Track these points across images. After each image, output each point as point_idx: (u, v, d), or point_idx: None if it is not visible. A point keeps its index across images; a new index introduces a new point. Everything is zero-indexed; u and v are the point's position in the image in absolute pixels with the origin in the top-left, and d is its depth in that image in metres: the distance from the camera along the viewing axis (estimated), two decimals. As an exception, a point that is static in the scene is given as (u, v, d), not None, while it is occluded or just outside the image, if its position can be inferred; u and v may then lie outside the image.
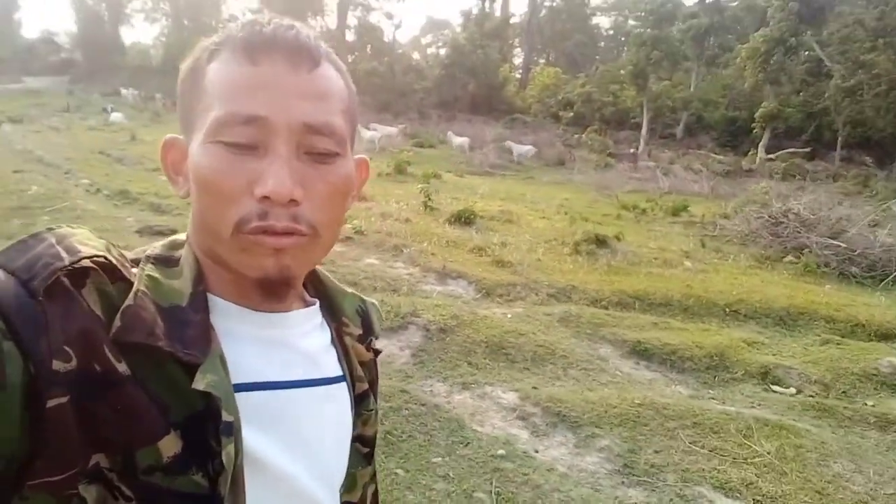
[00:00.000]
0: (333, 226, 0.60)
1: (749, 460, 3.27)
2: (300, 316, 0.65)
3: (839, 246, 7.66)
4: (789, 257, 7.93)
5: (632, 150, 21.02)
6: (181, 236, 0.62)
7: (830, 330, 5.66)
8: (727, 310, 5.93)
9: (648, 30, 25.09)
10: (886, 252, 7.73)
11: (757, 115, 22.75)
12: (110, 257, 0.54)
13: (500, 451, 3.21)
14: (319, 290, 0.72)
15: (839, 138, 25.75)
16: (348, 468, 0.69)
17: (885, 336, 5.54)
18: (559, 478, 3.06)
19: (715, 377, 4.54)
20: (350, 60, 38.72)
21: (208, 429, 0.52)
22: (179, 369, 0.52)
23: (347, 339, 0.71)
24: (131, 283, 0.54)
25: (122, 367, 0.49)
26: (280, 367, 0.61)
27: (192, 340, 0.53)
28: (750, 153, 25.78)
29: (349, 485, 0.71)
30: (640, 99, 26.34)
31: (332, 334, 0.69)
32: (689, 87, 35.67)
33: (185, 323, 0.54)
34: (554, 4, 57.61)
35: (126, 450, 0.49)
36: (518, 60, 54.36)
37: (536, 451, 3.30)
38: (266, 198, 0.53)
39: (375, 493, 0.80)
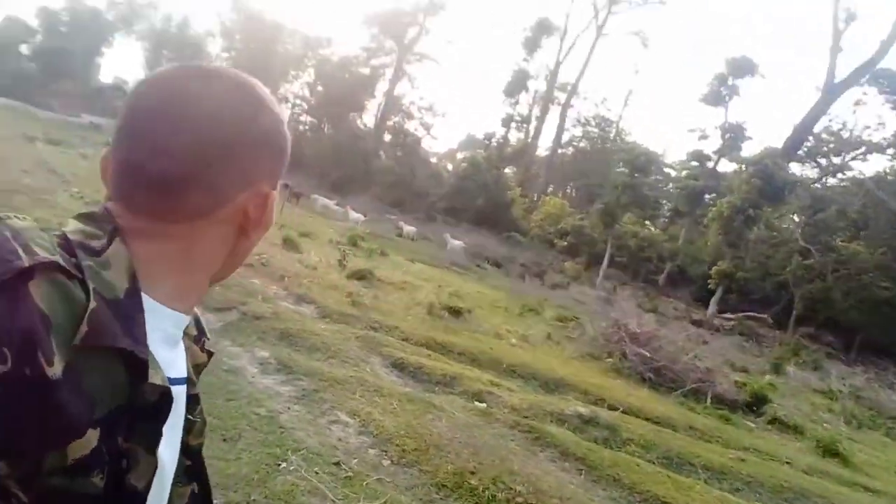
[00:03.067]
0: None
1: (383, 407, 4.90)
2: (187, 317, 0.68)
3: (645, 355, 9.27)
4: (610, 359, 9.55)
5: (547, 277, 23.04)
6: (83, 226, 0.60)
7: (577, 399, 7.22)
8: (505, 366, 7.57)
9: (624, 177, 27.85)
10: (688, 371, 9.32)
11: (713, 270, 24.67)
12: (58, 259, 0.53)
13: (233, 377, 4.91)
14: None
15: (794, 311, 27.39)
16: (174, 483, 0.68)
17: (610, 407, 7.08)
18: (260, 390, 4.71)
19: (439, 389, 6.16)
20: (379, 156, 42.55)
21: (122, 424, 0.53)
22: (123, 365, 0.53)
23: (186, 340, 0.71)
24: (73, 276, 0.53)
25: (53, 371, 0.48)
26: (178, 365, 0.66)
27: (140, 337, 0.55)
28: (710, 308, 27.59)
29: None
30: (605, 236, 28.66)
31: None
32: (678, 240, 38.16)
33: (131, 318, 0.55)
34: (581, 145, 62.35)
35: (37, 457, 0.48)
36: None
37: (253, 377, 4.98)
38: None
39: None
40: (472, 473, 4.09)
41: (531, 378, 7.48)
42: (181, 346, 0.69)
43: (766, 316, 28.15)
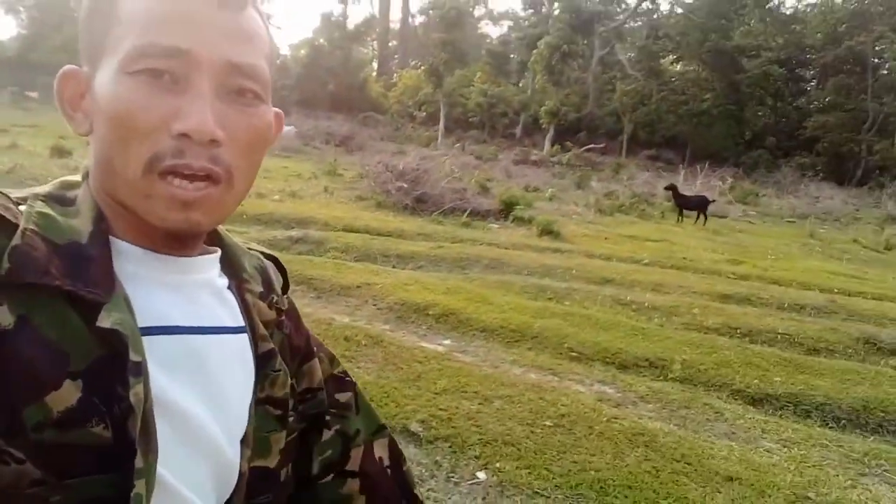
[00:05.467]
0: (249, 175, 0.58)
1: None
2: (205, 262, 0.63)
3: (404, 187, 10.37)
4: (377, 197, 10.60)
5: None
6: (74, 177, 0.59)
7: (317, 231, 8.17)
8: (245, 217, 8.34)
9: (441, 34, 28.22)
10: (445, 193, 10.54)
11: (541, 111, 26.13)
12: None
13: None
14: (216, 242, 0.68)
15: (624, 135, 29.79)
16: (259, 430, 0.64)
17: (343, 230, 8.12)
18: None
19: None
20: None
21: (114, 373, 0.49)
22: (80, 311, 0.49)
23: (249, 296, 0.67)
24: (13, 225, 0.49)
25: (5, 319, 0.46)
26: (187, 312, 0.58)
27: (95, 278, 0.50)
28: (554, 147, 29.51)
29: (262, 449, 0.65)
30: (436, 97, 29.45)
31: (231, 287, 0.66)
32: (527, 91, 39.52)
33: (85, 260, 0.51)
34: (431, 12, 60.95)
35: (11, 410, 0.46)
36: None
37: None
38: (185, 135, 0.51)
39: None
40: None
41: (275, 223, 8.30)
42: (220, 294, 0.64)
43: (602, 145, 30.50)
